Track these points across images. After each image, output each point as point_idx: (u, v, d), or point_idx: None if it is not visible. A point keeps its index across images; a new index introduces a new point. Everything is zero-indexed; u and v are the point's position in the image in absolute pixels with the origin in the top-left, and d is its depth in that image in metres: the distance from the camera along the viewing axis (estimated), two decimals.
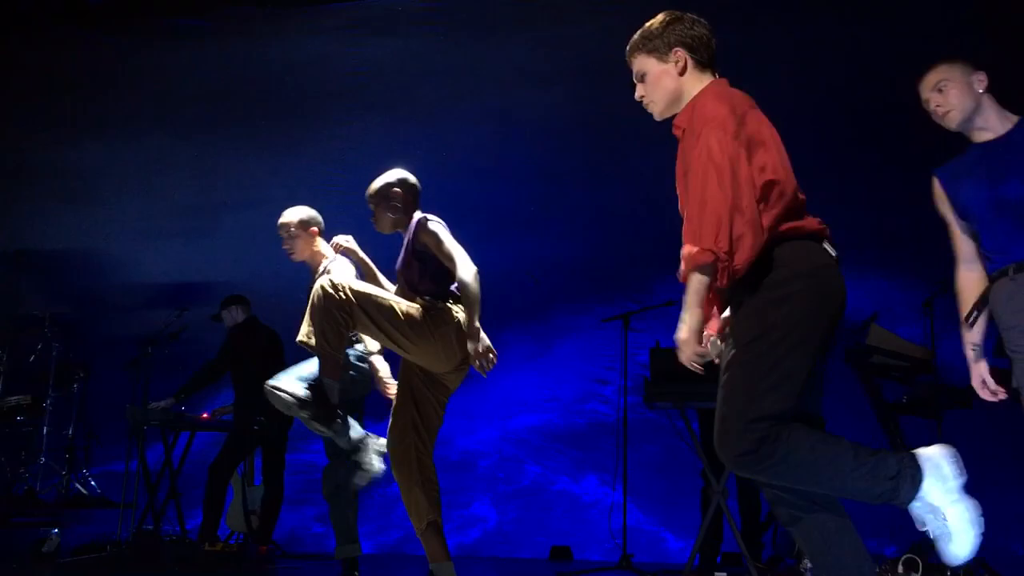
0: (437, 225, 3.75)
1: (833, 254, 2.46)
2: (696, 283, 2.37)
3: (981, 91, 3.02)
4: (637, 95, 2.67)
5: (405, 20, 8.02)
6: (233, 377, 6.02)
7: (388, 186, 3.90)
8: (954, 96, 3.03)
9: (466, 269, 3.64)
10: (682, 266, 2.40)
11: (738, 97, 2.48)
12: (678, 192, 2.57)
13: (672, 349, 2.47)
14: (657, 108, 2.63)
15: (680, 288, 2.42)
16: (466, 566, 6.39)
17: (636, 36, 2.63)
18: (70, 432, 6.66)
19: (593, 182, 7.50)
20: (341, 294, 3.51)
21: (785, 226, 2.41)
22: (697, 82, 2.55)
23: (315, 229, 4.59)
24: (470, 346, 3.55)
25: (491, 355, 3.55)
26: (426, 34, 7.95)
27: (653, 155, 7.26)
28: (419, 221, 3.77)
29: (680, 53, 2.55)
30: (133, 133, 8.12)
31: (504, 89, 7.71)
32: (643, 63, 2.61)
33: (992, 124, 3.04)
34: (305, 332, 3.57)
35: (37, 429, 6.56)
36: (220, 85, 8.12)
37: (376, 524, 6.89)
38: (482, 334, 3.55)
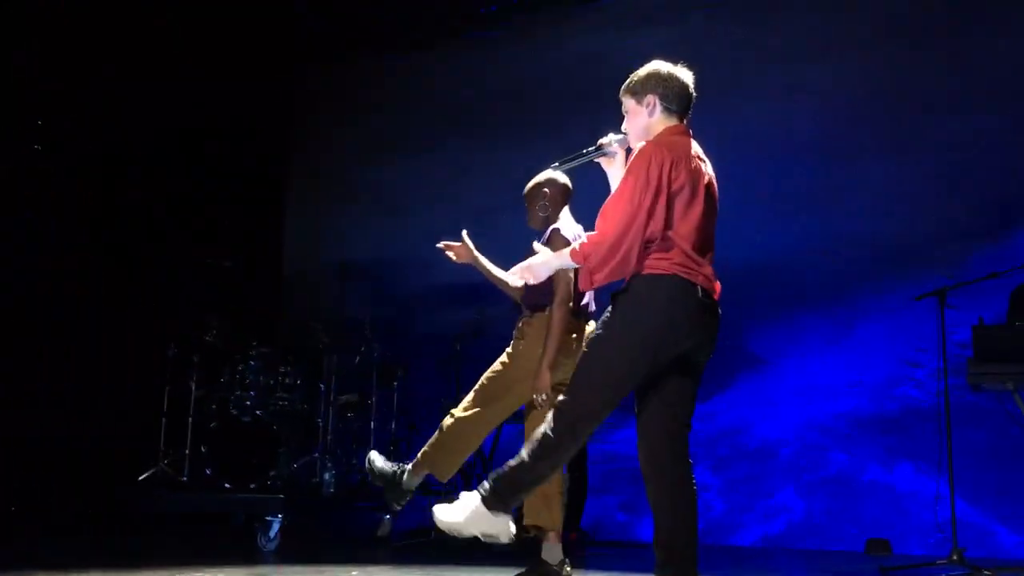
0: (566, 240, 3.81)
1: None
2: None
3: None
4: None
5: (674, 7, 7.97)
6: None
7: (538, 186, 4.14)
8: None
9: (558, 300, 3.74)
10: None
11: (680, 145, 2.94)
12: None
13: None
14: (631, 139, 3.16)
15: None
16: (775, 558, 6.25)
17: (627, 80, 3.14)
18: (392, 426, 7.26)
19: (888, 153, 7.02)
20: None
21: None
22: (662, 125, 3.05)
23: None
24: (536, 383, 3.69)
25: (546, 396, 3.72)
26: (698, 18, 7.85)
27: (959, 119, 6.71)
28: (554, 229, 3.85)
29: (652, 99, 3.05)
30: (429, 145, 8.71)
31: (787, 62, 7.43)
32: (626, 102, 3.14)
33: None
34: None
35: (365, 424, 7.20)
36: (503, 90, 8.49)
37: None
38: (545, 374, 3.69)
